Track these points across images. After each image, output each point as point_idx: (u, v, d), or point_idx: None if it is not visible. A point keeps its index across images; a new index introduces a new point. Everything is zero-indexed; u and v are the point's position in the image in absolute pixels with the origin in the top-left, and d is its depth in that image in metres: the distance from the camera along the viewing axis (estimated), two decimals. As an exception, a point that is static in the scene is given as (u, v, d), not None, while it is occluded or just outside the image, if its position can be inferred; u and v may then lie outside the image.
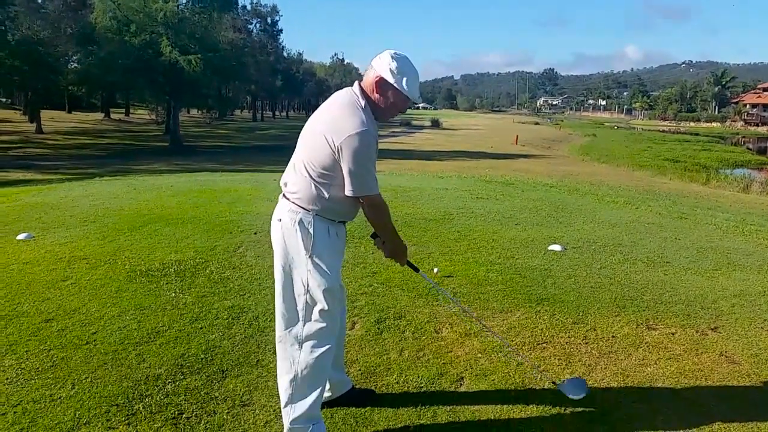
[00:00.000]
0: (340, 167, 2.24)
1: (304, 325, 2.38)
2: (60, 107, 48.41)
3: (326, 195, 2.31)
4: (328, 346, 2.39)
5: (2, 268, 4.62)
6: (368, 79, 2.35)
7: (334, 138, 2.20)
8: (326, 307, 2.35)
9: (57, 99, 44.12)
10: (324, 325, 2.37)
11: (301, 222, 2.33)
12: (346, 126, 2.20)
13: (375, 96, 2.33)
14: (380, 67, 2.31)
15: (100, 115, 49.97)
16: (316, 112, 2.44)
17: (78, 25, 35.40)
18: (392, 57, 2.31)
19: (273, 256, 2.49)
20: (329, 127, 2.25)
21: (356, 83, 2.40)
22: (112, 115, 50.60)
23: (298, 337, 2.38)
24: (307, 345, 2.37)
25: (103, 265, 4.74)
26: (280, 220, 2.40)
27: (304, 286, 2.36)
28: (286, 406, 2.40)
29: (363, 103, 2.31)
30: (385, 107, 2.35)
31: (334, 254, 2.41)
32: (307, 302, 2.38)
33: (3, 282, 4.30)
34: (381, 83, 2.31)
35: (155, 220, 6.46)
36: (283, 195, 2.44)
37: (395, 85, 2.30)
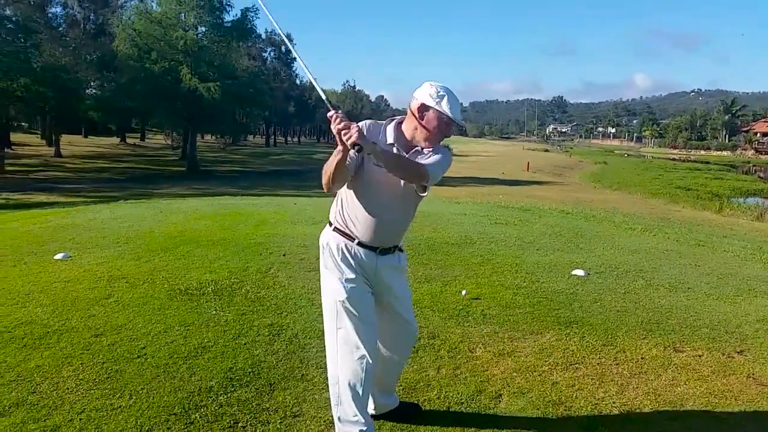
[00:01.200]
0: None
1: None
2: (76, 132, 49.30)
3: None
4: None
5: (47, 286, 4.80)
6: (411, 109, 2.48)
7: None
8: None
9: (75, 124, 44.97)
10: None
11: None
12: None
13: (419, 122, 2.46)
14: (420, 94, 2.46)
15: (115, 140, 50.82)
16: None
17: (98, 52, 36.32)
18: (431, 84, 2.48)
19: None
20: None
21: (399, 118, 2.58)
22: (127, 140, 51.45)
23: None
24: None
25: (142, 284, 4.91)
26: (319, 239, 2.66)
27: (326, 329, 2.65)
28: None
29: (393, 123, 2.52)
30: (431, 131, 2.46)
31: None
32: None
33: (49, 299, 4.47)
34: (422, 108, 2.45)
35: (186, 242, 6.65)
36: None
37: (436, 107, 2.43)
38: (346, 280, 2.49)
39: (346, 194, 2.52)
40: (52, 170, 28.26)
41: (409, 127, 2.51)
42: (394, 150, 2.46)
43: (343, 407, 2.49)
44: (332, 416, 2.57)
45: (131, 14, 33.71)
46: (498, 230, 8.16)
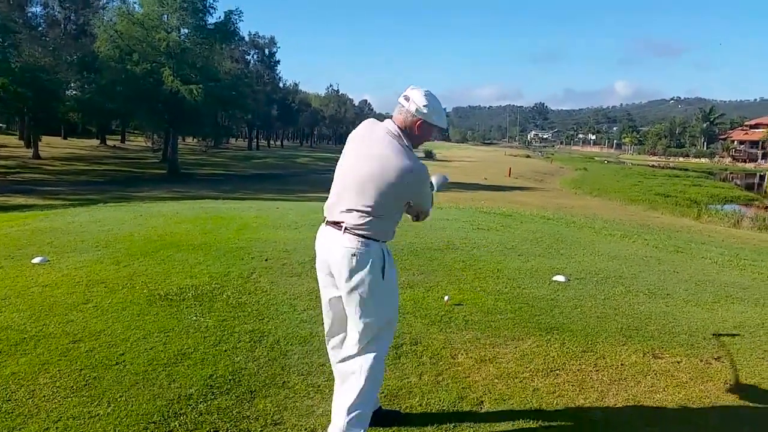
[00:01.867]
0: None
1: None
2: (56, 133, 48.62)
3: None
4: None
5: (24, 291, 4.72)
6: (407, 120, 2.56)
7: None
8: None
9: (54, 125, 44.37)
10: None
11: None
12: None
13: (415, 133, 2.58)
14: (416, 109, 2.53)
15: (95, 142, 50.24)
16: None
17: (79, 52, 35.89)
18: (425, 96, 2.53)
19: (320, 277, 2.74)
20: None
21: (390, 122, 2.59)
22: (108, 142, 50.86)
23: None
24: None
25: (121, 289, 4.85)
26: (355, 255, 2.58)
27: (371, 327, 2.66)
28: None
29: (406, 143, 2.56)
30: (419, 137, 2.60)
31: None
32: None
33: (26, 304, 4.40)
34: (422, 125, 2.56)
35: (166, 246, 6.58)
36: (347, 228, 2.59)
37: (433, 123, 2.58)
38: None
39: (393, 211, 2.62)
40: (30, 172, 27.84)
41: (398, 124, 2.59)
42: None
43: (369, 411, 2.62)
44: (342, 422, 2.55)
45: (113, 15, 33.44)
46: (480, 236, 8.20)
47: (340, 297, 2.62)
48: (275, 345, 3.79)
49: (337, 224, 2.57)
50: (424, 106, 2.52)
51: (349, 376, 2.60)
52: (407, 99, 2.55)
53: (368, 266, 2.50)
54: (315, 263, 2.74)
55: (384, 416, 2.87)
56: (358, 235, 2.51)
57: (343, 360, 2.66)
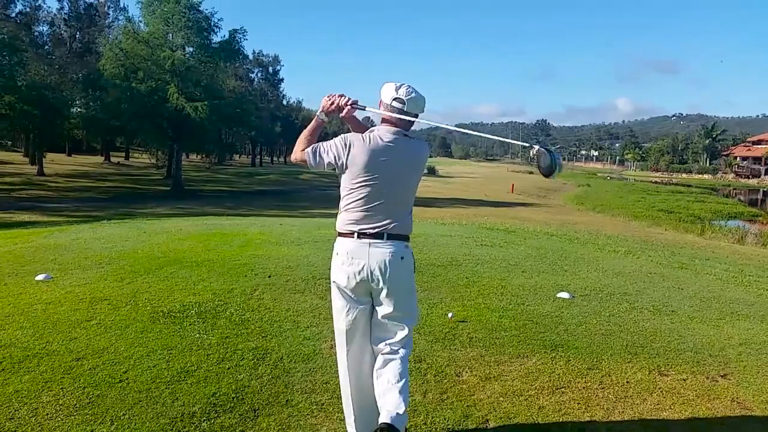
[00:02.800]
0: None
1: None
2: (60, 150, 48.93)
3: None
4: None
5: (27, 308, 4.72)
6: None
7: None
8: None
9: (58, 142, 44.71)
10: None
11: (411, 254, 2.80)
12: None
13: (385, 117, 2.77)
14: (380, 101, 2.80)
15: (99, 159, 50.52)
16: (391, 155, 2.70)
17: (84, 71, 36.24)
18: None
19: (353, 294, 2.74)
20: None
21: (379, 126, 2.79)
22: (112, 159, 51.14)
23: None
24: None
25: (125, 306, 4.85)
26: (403, 258, 2.70)
27: (414, 317, 2.85)
28: None
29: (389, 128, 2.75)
30: (388, 119, 2.76)
31: None
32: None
33: (29, 321, 4.40)
34: (380, 104, 2.79)
35: (170, 263, 6.58)
36: (391, 235, 2.69)
37: (381, 99, 2.78)
38: None
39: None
40: (34, 189, 27.98)
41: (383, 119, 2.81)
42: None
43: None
44: (397, 400, 2.64)
45: (118, 34, 33.82)
46: (483, 252, 8.19)
47: (366, 309, 2.77)
48: (278, 362, 3.77)
49: (374, 235, 2.67)
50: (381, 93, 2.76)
51: (394, 364, 2.73)
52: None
53: (411, 267, 2.76)
54: (334, 282, 2.77)
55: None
56: (403, 237, 2.73)
57: (385, 355, 2.76)
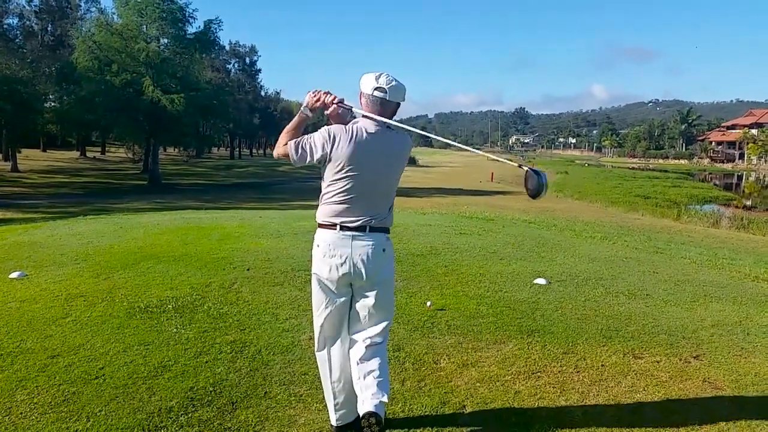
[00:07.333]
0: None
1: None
2: (35, 145, 48.00)
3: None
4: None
5: (1, 306, 4.65)
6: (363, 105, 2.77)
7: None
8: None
9: (33, 137, 43.84)
10: None
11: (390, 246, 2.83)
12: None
13: (366, 109, 2.74)
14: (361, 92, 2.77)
15: (75, 154, 49.71)
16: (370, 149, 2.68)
17: (57, 64, 35.52)
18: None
19: (334, 286, 2.75)
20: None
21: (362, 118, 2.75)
22: (88, 153, 50.33)
23: None
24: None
25: (101, 303, 4.80)
26: (384, 250, 2.73)
27: (393, 306, 2.90)
28: None
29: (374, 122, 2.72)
30: (369, 111, 2.72)
31: None
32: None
33: (3, 320, 4.33)
34: (360, 96, 2.76)
35: (147, 258, 6.52)
36: (373, 228, 2.69)
37: (361, 91, 2.74)
38: None
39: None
40: (8, 185, 27.44)
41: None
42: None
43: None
44: (374, 388, 2.68)
45: (91, 26, 33.17)
46: (462, 240, 8.24)
47: (346, 301, 2.78)
48: (257, 355, 3.77)
49: (357, 228, 2.67)
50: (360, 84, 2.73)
51: (375, 354, 2.76)
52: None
53: (392, 258, 2.81)
54: (315, 274, 2.76)
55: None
56: (384, 230, 2.76)
57: (367, 346, 2.77)
